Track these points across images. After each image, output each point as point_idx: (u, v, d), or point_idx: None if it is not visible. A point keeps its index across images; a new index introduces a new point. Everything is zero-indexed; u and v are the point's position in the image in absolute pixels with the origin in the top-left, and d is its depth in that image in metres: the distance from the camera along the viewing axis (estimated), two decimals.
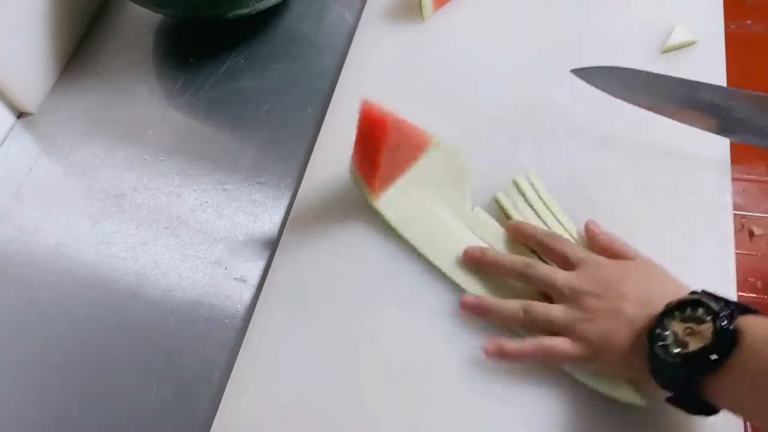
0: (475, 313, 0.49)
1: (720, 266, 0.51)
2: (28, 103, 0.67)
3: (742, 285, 0.53)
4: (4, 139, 0.66)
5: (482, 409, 0.47)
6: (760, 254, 0.58)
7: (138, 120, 0.66)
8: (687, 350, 0.38)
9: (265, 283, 0.54)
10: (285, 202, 0.60)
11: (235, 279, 0.56)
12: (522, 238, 0.51)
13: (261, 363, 0.51)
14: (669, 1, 0.66)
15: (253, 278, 0.56)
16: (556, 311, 0.45)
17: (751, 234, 0.61)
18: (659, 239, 0.52)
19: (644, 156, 0.57)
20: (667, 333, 0.39)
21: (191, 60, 0.70)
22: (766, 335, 0.36)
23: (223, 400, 0.50)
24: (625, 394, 0.44)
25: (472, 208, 0.54)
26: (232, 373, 0.50)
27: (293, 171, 0.61)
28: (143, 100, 0.68)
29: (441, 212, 0.54)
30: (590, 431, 0.45)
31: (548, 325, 0.46)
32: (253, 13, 0.67)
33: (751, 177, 0.58)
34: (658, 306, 0.41)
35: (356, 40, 0.68)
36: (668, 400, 0.41)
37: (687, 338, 0.38)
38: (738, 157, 0.57)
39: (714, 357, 0.36)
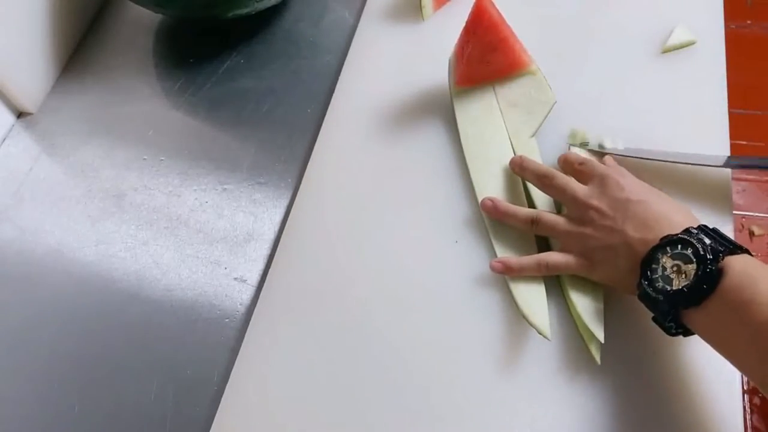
0: (491, 214, 0.52)
1: None
2: (28, 103, 0.67)
3: None
4: (4, 139, 0.66)
5: (483, 415, 0.47)
6: (760, 254, 0.58)
7: (138, 120, 0.66)
8: (670, 288, 0.41)
9: (265, 283, 0.54)
10: (285, 202, 0.60)
11: (235, 279, 0.56)
12: (561, 163, 0.54)
13: (261, 363, 0.51)
14: (669, 1, 0.66)
15: (253, 278, 0.56)
16: (563, 223, 0.49)
17: (751, 234, 0.61)
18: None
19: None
20: (656, 267, 0.42)
21: (191, 60, 0.70)
22: (741, 281, 0.38)
23: (223, 400, 0.50)
24: (539, 323, 0.47)
25: (531, 136, 0.57)
26: (232, 373, 0.50)
27: (293, 171, 0.61)
28: (143, 100, 0.68)
29: (501, 131, 0.58)
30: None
31: (553, 235, 0.50)
32: (253, 13, 0.67)
33: (751, 177, 0.58)
34: (658, 233, 0.43)
35: (356, 40, 0.68)
36: (653, 319, 0.44)
37: (673, 275, 0.41)
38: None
39: (691, 298, 0.39)
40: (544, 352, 0.48)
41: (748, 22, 0.64)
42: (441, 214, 0.56)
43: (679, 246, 0.41)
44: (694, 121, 0.58)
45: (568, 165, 0.53)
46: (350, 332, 0.51)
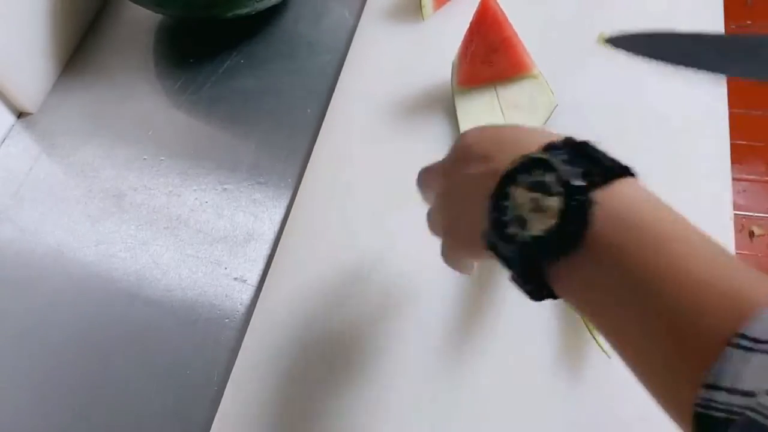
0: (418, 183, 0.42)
1: None
2: (28, 103, 0.67)
3: None
4: (4, 139, 0.66)
5: (485, 415, 0.47)
6: (760, 254, 0.58)
7: (138, 120, 0.66)
8: (524, 234, 0.28)
9: (265, 283, 0.54)
10: (285, 202, 0.60)
11: (235, 279, 0.56)
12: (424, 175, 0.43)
13: (261, 363, 0.51)
14: (669, 1, 0.66)
15: (253, 278, 0.56)
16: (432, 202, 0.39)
17: (751, 234, 0.61)
18: None
19: (645, 156, 0.57)
20: (506, 204, 0.29)
21: (191, 60, 0.70)
22: (622, 218, 0.27)
23: (223, 400, 0.50)
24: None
25: None
26: (232, 373, 0.50)
27: (293, 171, 0.61)
28: (143, 99, 0.68)
29: None
30: None
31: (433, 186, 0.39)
32: (253, 12, 0.67)
33: (751, 177, 0.58)
34: (505, 162, 0.30)
35: (356, 40, 0.68)
36: (511, 279, 0.31)
37: (530, 215, 0.28)
38: (738, 157, 0.57)
39: (553, 247, 0.27)
40: (546, 349, 0.49)
41: (748, 22, 0.65)
42: None
43: (540, 171, 0.28)
44: (694, 121, 0.58)
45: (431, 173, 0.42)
46: (350, 332, 0.51)
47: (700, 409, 0.22)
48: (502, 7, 0.57)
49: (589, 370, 0.47)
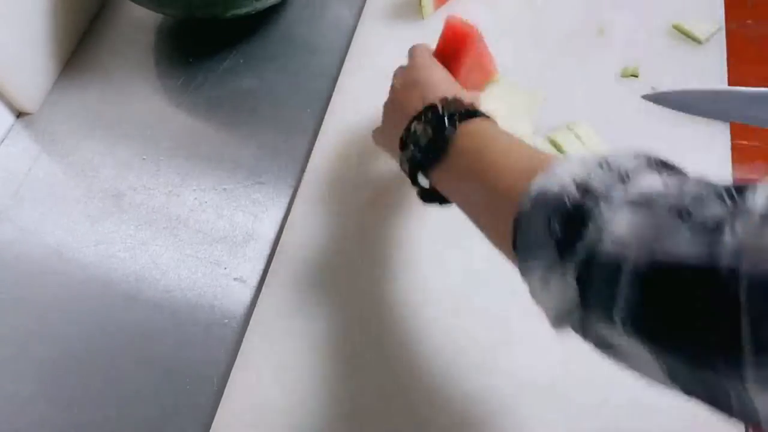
0: None
1: None
2: (28, 102, 0.67)
3: None
4: (4, 139, 0.66)
5: (483, 417, 0.47)
6: None
7: (137, 119, 0.66)
8: (409, 149, 0.44)
9: (265, 283, 0.54)
10: (285, 202, 0.60)
11: (235, 279, 0.56)
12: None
13: (261, 363, 0.51)
14: (669, 1, 0.66)
15: (253, 278, 0.56)
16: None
17: None
18: None
19: None
20: (413, 131, 0.44)
21: (191, 59, 0.70)
22: (469, 145, 0.41)
23: (223, 400, 0.49)
24: None
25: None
26: (232, 373, 0.50)
27: (293, 171, 0.61)
28: (143, 99, 0.68)
29: None
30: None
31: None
32: (253, 12, 0.67)
33: (751, 177, 0.58)
34: (414, 106, 0.46)
35: (356, 40, 0.68)
36: (418, 193, 0.47)
37: (422, 137, 0.43)
38: (738, 157, 0.58)
39: (429, 153, 0.43)
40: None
41: (748, 22, 0.64)
42: (443, 214, 0.56)
43: (430, 113, 0.44)
44: (694, 121, 0.58)
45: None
46: (350, 332, 0.51)
47: (515, 216, 0.34)
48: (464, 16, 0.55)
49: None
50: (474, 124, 0.42)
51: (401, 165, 0.46)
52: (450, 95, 0.45)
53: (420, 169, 0.44)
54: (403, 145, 0.45)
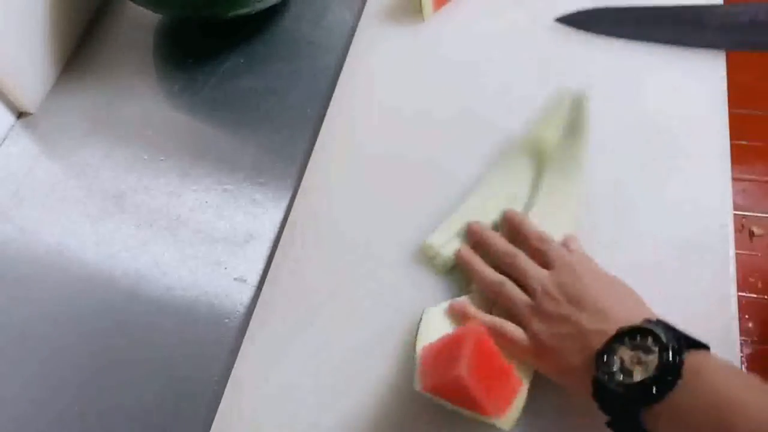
0: (463, 263, 0.51)
1: (720, 266, 0.51)
2: (28, 103, 0.67)
3: (742, 285, 0.53)
4: (4, 139, 0.66)
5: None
6: (760, 254, 0.58)
7: (138, 120, 0.66)
8: (630, 380, 0.38)
9: (265, 283, 0.54)
10: (285, 202, 0.60)
11: (235, 279, 0.56)
12: (511, 225, 0.52)
13: (261, 363, 0.51)
14: (669, 1, 0.66)
15: (253, 278, 0.56)
16: (521, 299, 0.46)
17: (751, 234, 0.61)
18: (659, 239, 0.52)
19: (644, 156, 0.57)
20: (614, 358, 0.39)
21: (191, 60, 0.70)
22: (707, 377, 0.36)
23: (223, 400, 0.50)
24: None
25: None
26: (232, 373, 0.50)
27: (293, 171, 0.61)
28: (143, 99, 0.68)
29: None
30: None
31: (512, 309, 0.47)
32: (253, 12, 0.67)
33: (751, 177, 0.58)
34: (614, 324, 0.41)
35: (356, 40, 0.68)
36: (607, 424, 0.40)
37: (633, 366, 0.38)
38: (738, 157, 0.57)
39: (654, 391, 0.37)
40: None
41: None
42: (443, 215, 0.56)
43: (638, 336, 0.39)
44: (694, 121, 0.58)
45: (522, 235, 0.50)
46: (350, 332, 0.51)
47: None
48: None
49: None
50: (704, 354, 0.38)
51: (596, 401, 0.40)
52: (652, 317, 0.41)
53: (636, 407, 0.38)
54: (605, 374, 0.39)
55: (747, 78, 0.56)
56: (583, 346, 0.41)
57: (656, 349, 0.38)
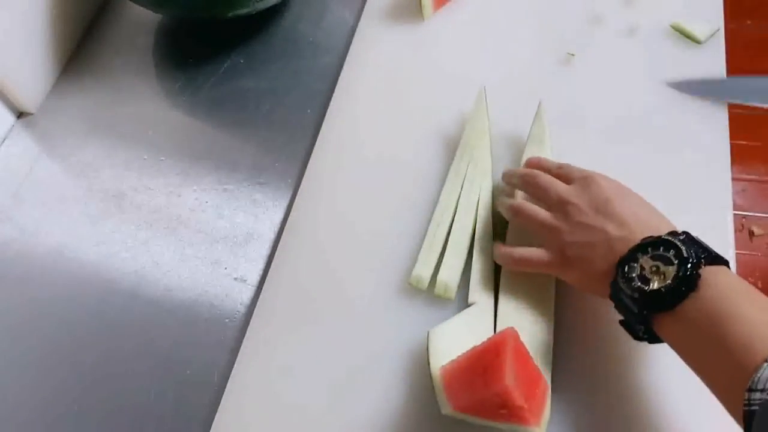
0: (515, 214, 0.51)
1: None
2: (28, 103, 0.67)
3: None
4: (4, 139, 0.66)
5: None
6: (760, 254, 0.58)
7: (138, 120, 0.66)
8: (646, 287, 0.39)
9: (265, 283, 0.54)
10: (285, 202, 0.60)
11: (235, 279, 0.56)
12: (536, 167, 0.52)
13: (261, 363, 0.51)
14: (669, 2, 0.66)
15: (253, 278, 0.56)
16: (543, 215, 0.48)
17: (751, 234, 0.61)
18: None
19: (644, 156, 0.57)
20: (635, 265, 0.41)
21: (191, 60, 0.70)
22: (717, 290, 0.38)
23: (223, 400, 0.50)
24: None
25: None
26: (232, 373, 0.50)
27: (293, 171, 0.61)
28: (143, 100, 0.68)
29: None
30: None
31: (533, 226, 0.49)
32: (253, 13, 0.67)
33: (751, 177, 0.58)
34: (639, 234, 0.42)
35: (356, 40, 0.68)
36: (620, 322, 0.43)
37: (651, 276, 0.40)
38: (738, 157, 0.57)
39: (667, 299, 0.39)
40: None
41: (748, 22, 0.64)
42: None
43: (661, 248, 0.40)
44: (694, 121, 0.58)
45: (545, 169, 0.52)
46: (350, 332, 0.51)
47: (746, 408, 0.33)
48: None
49: None
50: (722, 270, 0.39)
51: (613, 303, 0.42)
52: (676, 230, 0.42)
53: (648, 312, 0.40)
54: (624, 279, 0.41)
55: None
56: (608, 252, 0.43)
57: (676, 261, 0.39)
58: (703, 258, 0.39)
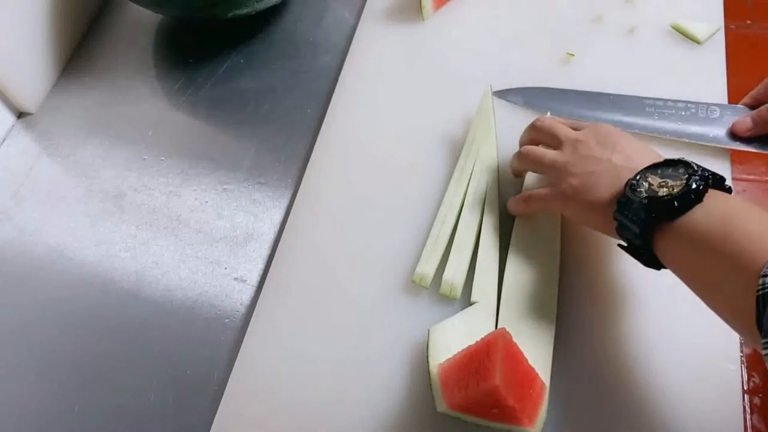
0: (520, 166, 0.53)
1: None
2: (28, 103, 0.67)
3: None
4: (4, 139, 0.66)
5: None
6: None
7: (138, 120, 0.66)
8: (654, 195, 0.40)
9: (265, 283, 0.54)
10: (285, 202, 0.60)
11: (235, 279, 0.56)
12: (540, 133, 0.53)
13: (261, 363, 0.51)
14: (669, 2, 0.66)
15: (253, 278, 0.56)
16: (550, 154, 0.49)
17: None
18: None
19: None
20: (644, 183, 0.41)
21: (191, 60, 0.70)
22: (723, 208, 0.38)
23: (223, 400, 0.50)
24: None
25: None
26: (232, 373, 0.50)
27: (293, 171, 0.61)
28: (143, 100, 0.68)
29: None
30: None
31: (540, 166, 0.50)
32: (253, 13, 0.67)
33: (751, 177, 0.58)
34: (645, 163, 0.43)
35: (356, 40, 0.68)
36: (620, 246, 0.44)
37: (659, 189, 0.40)
38: (738, 157, 0.58)
39: (675, 204, 0.39)
40: None
41: (748, 22, 0.64)
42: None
43: (671, 168, 0.41)
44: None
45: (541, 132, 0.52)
46: (350, 332, 0.51)
47: (759, 293, 0.33)
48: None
49: None
50: (727, 194, 0.40)
51: (616, 214, 0.42)
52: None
53: (649, 225, 0.40)
54: (626, 195, 0.41)
55: (747, 78, 0.56)
56: (613, 180, 0.43)
57: (685, 177, 0.40)
58: (710, 178, 0.40)
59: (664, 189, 0.40)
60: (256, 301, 0.54)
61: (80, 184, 0.62)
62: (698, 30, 0.62)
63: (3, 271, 0.58)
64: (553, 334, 0.48)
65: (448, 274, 0.51)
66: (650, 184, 0.41)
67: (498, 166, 0.56)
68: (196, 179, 0.62)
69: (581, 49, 0.64)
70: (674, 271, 0.41)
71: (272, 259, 0.56)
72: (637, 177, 0.42)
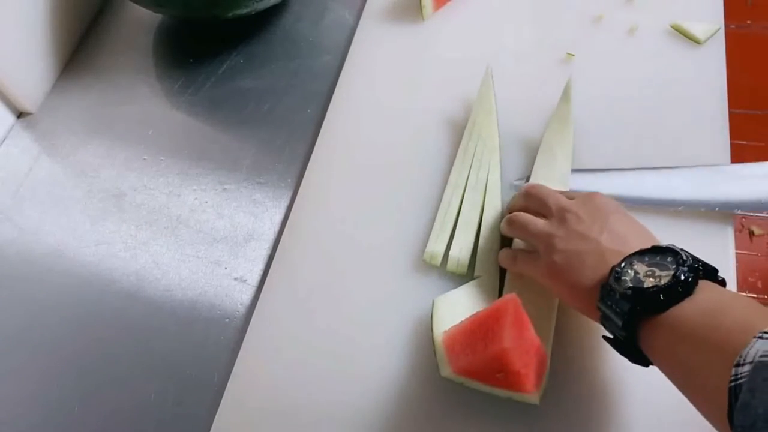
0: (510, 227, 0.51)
1: (720, 266, 0.51)
2: (28, 103, 0.67)
3: (742, 285, 0.53)
4: (4, 139, 0.66)
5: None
6: (760, 254, 0.58)
7: (138, 120, 0.66)
8: (640, 286, 0.38)
9: (265, 283, 0.54)
10: (285, 202, 0.60)
11: (235, 279, 0.56)
12: (532, 200, 0.51)
13: (261, 363, 0.51)
14: (669, 2, 0.66)
15: (253, 278, 0.56)
16: (538, 224, 0.47)
17: (751, 234, 0.61)
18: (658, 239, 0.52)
19: (644, 157, 0.57)
20: (629, 270, 0.39)
21: (191, 60, 0.70)
22: (711, 303, 0.36)
23: (223, 400, 0.50)
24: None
25: None
26: (232, 373, 0.50)
27: (293, 171, 0.61)
28: (143, 99, 0.68)
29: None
30: None
31: (526, 234, 0.48)
32: (253, 13, 0.67)
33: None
34: (632, 249, 0.41)
35: (356, 40, 0.68)
36: (605, 338, 0.42)
37: (645, 279, 0.38)
38: (738, 157, 0.58)
39: (661, 297, 0.37)
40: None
41: (748, 22, 0.64)
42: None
43: (659, 256, 0.39)
44: (695, 122, 0.58)
45: (533, 199, 0.51)
46: (350, 331, 0.51)
47: (731, 384, 0.31)
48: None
49: None
50: (715, 285, 0.38)
51: (599, 303, 0.40)
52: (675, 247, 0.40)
53: (632, 318, 0.38)
54: (609, 284, 0.39)
55: (747, 78, 0.56)
56: (599, 262, 0.42)
57: (673, 267, 0.38)
58: (701, 269, 0.38)
59: (651, 279, 0.38)
60: (256, 301, 0.54)
61: (80, 184, 0.62)
62: (698, 30, 0.62)
63: (3, 271, 0.58)
64: (555, 308, 0.49)
65: (454, 251, 0.53)
66: (636, 273, 0.39)
67: (499, 145, 0.57)
68: (196, 179, 0.62)
69: (581, 49, 0.64)
70: (656, 364, 0.39)
71: (272, 259, 0.56)
72: (623, 264, 0.40)
